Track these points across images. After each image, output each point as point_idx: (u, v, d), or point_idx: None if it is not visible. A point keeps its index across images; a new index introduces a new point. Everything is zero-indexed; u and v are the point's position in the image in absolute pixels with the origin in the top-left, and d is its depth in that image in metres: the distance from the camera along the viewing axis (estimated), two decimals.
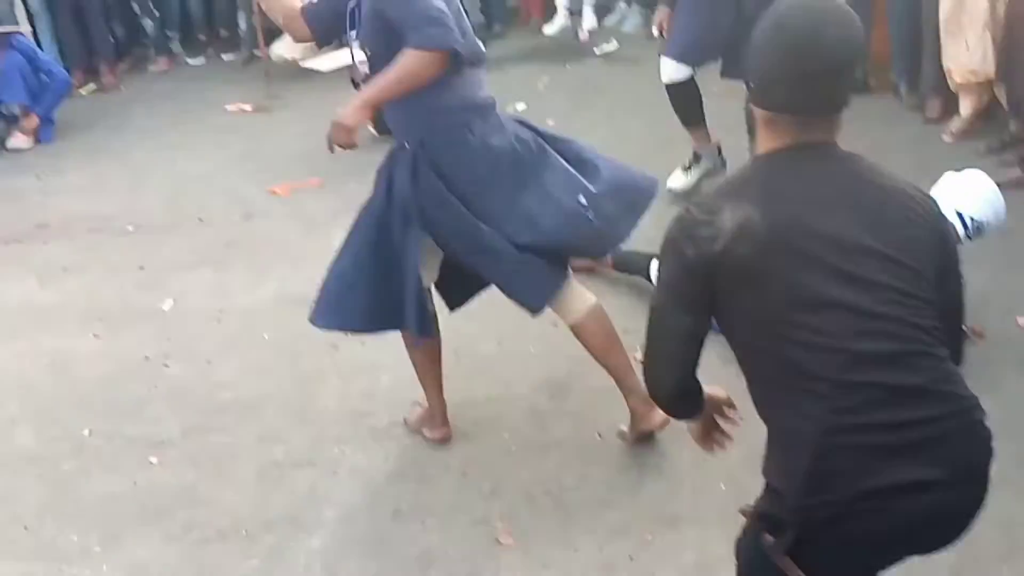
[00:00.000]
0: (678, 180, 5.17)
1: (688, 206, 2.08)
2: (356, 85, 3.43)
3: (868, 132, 4.93)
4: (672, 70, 4.96)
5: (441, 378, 3.68)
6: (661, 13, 5.22)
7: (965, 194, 3.72)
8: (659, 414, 3.42)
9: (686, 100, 5.05)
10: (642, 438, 3.57)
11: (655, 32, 5.44)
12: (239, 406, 4.00)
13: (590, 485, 3.42)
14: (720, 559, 3.06)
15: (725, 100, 5.19)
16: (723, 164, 5.20)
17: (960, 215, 3.70)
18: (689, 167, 5.19)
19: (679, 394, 2.20)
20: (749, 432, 3.54)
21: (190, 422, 3.93)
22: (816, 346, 1.93)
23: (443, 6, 3.08)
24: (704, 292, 2.01)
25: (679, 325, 2.08)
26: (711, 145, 5.20)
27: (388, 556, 3.22)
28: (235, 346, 4.40)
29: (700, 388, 2.24)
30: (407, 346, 3.61)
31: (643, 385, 2.29)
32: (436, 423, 3.70)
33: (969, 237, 3.72)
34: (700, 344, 2.10)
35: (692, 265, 2.00)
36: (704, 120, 5.13)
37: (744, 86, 2.35)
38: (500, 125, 3.35)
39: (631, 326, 4.22)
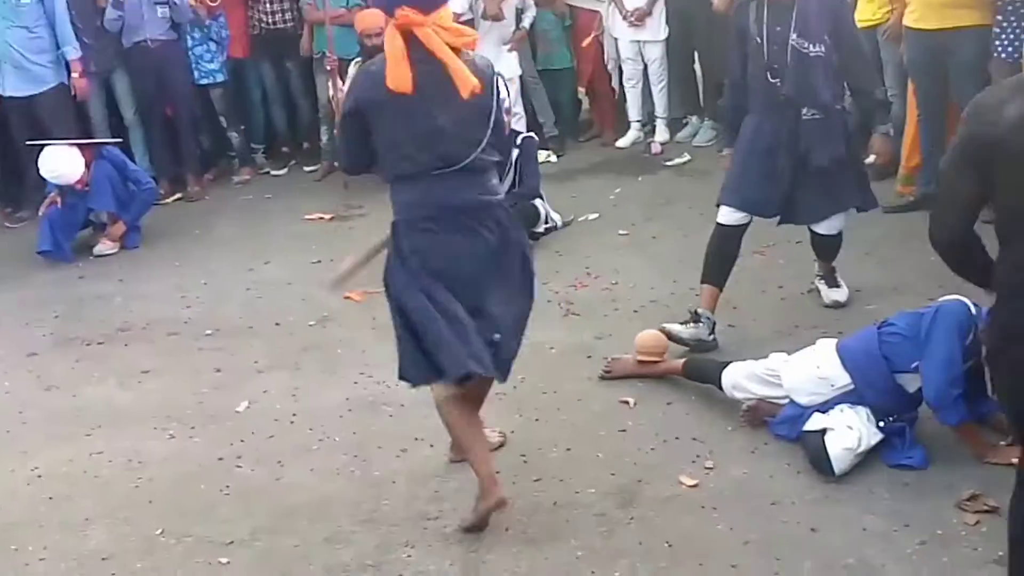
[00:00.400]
0: (673, 327, 4.90)
1: (986, 90, 2.86)
2: None
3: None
4: (728, 214, 4.96)
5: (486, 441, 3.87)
6: (728, 154, 5.22)
7: None
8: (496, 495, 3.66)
9: (723, 249, 4.96)
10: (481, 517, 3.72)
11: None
12: (309, 508, 4.02)
13: None
14: None
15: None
16: (713, 336, 4.93)
17: None
18: (686, 323, 4.93)
19: (951, 243, 2.82)
20: (818, 545, 3.50)
21: (260, 523, 3.96)
22: None
23: (344, 138, 3.76)
24: (980, 164, 2.62)
25: (957, 183, 2.72)
26: (712, 314, 4.94)
27: None
28: (307, 448, 4.44)
29: (979, 249, 2.82)
30: (450, 416, 3.74)
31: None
32: (488, 492, 3.68)
33: None
34: (974, 208, 2.74)
35: (973, 138, 2.64)
36: (722, 284, 4.98)
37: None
38: (476, 229, 3.57)
39: (699, 434, 4.23)
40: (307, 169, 8.65)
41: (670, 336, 4.85)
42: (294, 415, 4.72)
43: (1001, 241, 2.72)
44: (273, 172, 8.74)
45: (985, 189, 2.67)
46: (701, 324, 4.90)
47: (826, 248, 5.13)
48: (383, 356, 5.08)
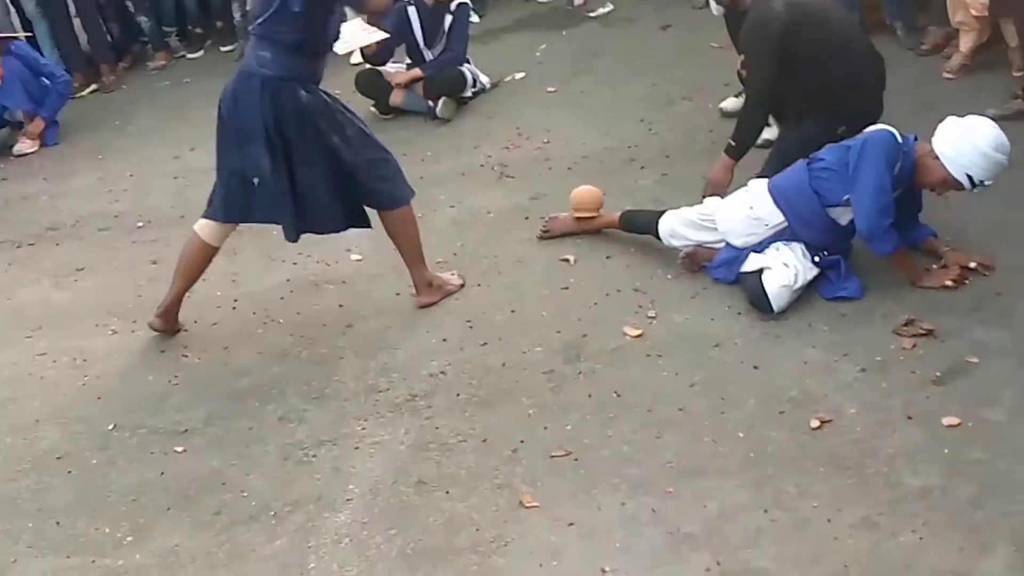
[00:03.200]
0: (729, 102, 5.50)
1: None
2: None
3: None
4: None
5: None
6: None
7: (971, 155, 3.72)
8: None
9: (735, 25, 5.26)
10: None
11: None
12: (259, 390, 4.03)
13: (610, 443, 3.44)
14: (742, 507, 3.10)
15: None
16: None
17: (970, 178, 3.73)
18: (739, 94, 5.39)
19: None
20: (762, 381, 3.59)
21: (212, 409, 3.97)
22: None
23: None
24: None
25: None
26: None
27: (415, 526, 3.25)
28: (251, 332, 4.43)
29: None
30: (196, 247, 4.33)
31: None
32: (167, 311, 4.43)
33: (974, 190, 3.81)
34: None
35: None
36: None
37: None
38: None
39: (641, 285, 4.27)
40: (223, 49, 8.39)
41: (729, 111, 5.43)
42: (235, 300, 4.69)
43: None
44: (189, 55, 8.48)
45: None
46: None
47: None
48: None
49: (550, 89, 6.49)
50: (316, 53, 4.03)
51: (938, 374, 3.47)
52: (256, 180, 4.05)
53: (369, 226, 4.30)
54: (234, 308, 4.64)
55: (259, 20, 3.91)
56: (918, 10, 6.01)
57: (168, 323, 4.44)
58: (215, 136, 4.18)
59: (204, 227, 4.31)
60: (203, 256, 4.35)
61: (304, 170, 4.02)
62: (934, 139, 3.82)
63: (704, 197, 4.41)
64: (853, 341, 3.72)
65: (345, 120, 4.08)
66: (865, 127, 4.08)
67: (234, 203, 4.18)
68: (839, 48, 4.35)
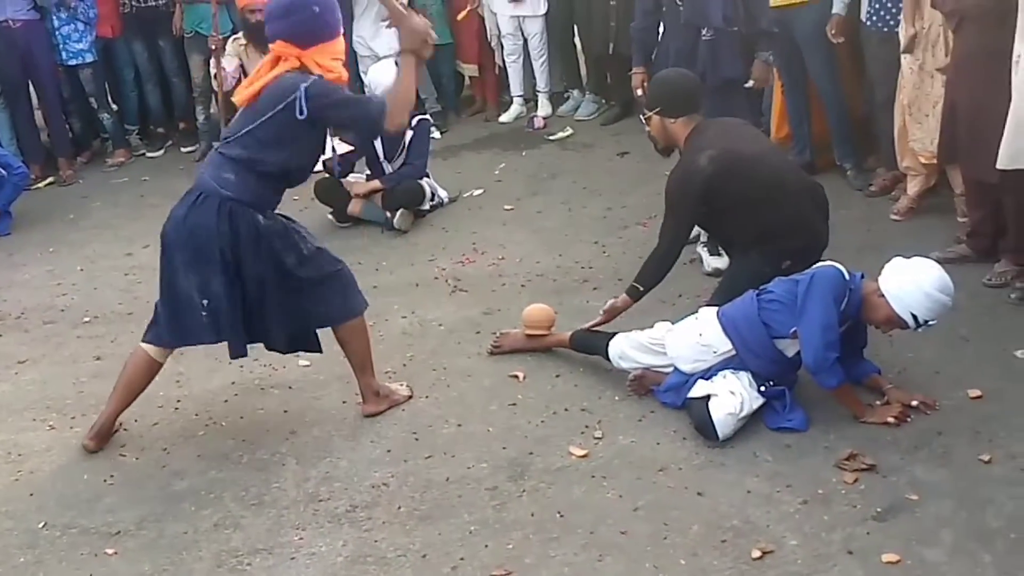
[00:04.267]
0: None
1: None
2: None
3: None
4: None
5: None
6: (637, 75, 5.76)
7: (916, 295, 3.81)
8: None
9: None
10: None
11: (637, 93, 5.73)
12: (196, 494, 3.96)
13: (551, 564, 3.40)
14: None
15: None
16: None
17: (914, 317, 3.82)
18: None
19: None
20: (705, 508, 3.59)
21: (146, 511, 3.88)
22: None
23: None
24: None
25: None
26: None
27: None
28: (192, 434, 4.37)
29: None
30: (142, 362, 4.22)
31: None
32: (101, 432, 4.29)
33: (918, 329, 3.87)
34: None
35: None
36: None
37: None
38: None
39: (588, 405, 4.28)
40: (184, 150, 8.46)
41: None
42: (179, 401, 4.63)
43: None
44: (149, 154, 8.52)
45: None
46: None
47: None
48: None
49: (507, 207, 6.59)
50: (289, 183, 4.08)
51: (879, 510, 3.49)
52: (205, 302, 4.01)
53: (320, 351, 4.32)
54: (176, 409, 4.57)
55: (235, 136, 3.94)
56: (867, 152, 6.20)
57: (102, 443, 4.30)
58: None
59: (150, 347, 4.24)
60: (148, 371, 4.26)
61: (255, 287, 4.02)
62: (880, 278, 3.91)
63: (591, 325, 4.55)
64: (796, 472, 3.74)
65: (300, 239, 4.10)
66: (812, 261, 4.17)
67: (182, 326, 4.10)
68: (771, 193, 4.38)
